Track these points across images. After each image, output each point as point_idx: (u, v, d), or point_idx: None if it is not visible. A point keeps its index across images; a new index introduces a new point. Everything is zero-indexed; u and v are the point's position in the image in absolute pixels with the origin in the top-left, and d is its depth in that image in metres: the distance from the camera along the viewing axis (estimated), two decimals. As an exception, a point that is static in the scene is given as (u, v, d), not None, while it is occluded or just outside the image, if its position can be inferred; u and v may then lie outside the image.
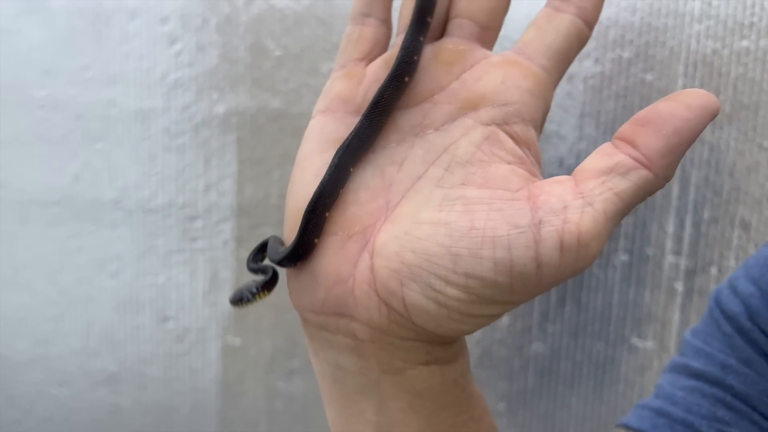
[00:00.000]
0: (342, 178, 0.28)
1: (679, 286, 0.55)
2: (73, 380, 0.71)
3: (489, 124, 0.28)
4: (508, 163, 0.28)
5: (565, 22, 0.30)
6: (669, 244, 0.55)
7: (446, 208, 0.26)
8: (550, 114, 0.56)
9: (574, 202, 0.25)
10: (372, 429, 0.30)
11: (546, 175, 0.58)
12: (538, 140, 0.31)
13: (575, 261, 0.25)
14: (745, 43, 0.51)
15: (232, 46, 0.61)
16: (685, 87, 0.53)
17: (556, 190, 0.26)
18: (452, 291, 0.25)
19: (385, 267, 0.26)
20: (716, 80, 0.52)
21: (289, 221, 0.30)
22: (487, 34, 0.31)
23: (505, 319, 0.59)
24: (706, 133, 0.53)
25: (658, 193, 0.55)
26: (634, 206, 0.26)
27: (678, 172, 0.55)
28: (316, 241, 0.28)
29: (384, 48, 0.32)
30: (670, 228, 0.55)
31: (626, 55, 0.53)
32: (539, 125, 0.30)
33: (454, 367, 0.30)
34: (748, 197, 0.53)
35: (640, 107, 0.54)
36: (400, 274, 0.26)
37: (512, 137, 0.28)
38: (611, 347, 0.57)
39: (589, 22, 0.30)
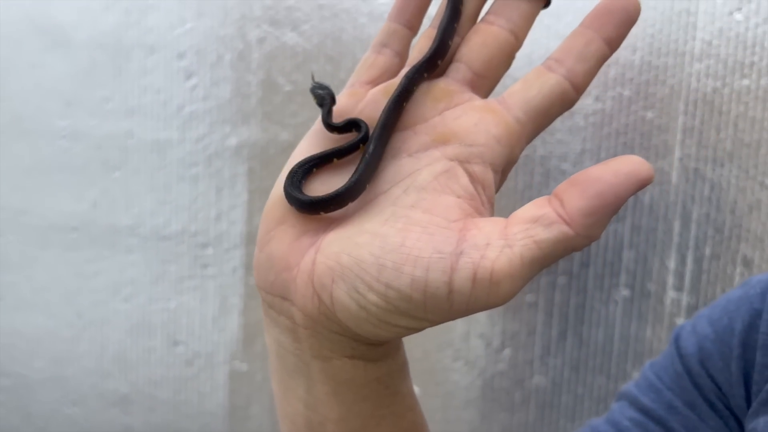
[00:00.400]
0: (358, 193, 0.30)
1: (681, 322, 0.54)
2: (87, 400, 0.71)
3: (452, 160, 0.30)
4: (458, 196, 0.29)
5: (551, 81, 0.31)
6: (670, 280, 0.54)
7: (389, 224, 0.29)
8: (552, 149, 0.56)
9: (496, 242, 0.27)
10: (302, 405, 0.33)
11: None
12: (499, 184, 0.32)
13: (486, 295, 0.27)
14: (745, 82, 0.51)
15: (245, 82, 0.62)
16: (685, 125, 0.52)
17: (486, 229, 0.28)
18: (372, 297, 0.27)
19: (324, 263, 0.29)
20: (717, 118, 0.52)
21: (267, 206, 0.31)
22: (481, 81, 0.33)
23: (506, 351, 0.58)
24: (708, 171, 0.52)
25: (660, 228, 0.54)
26: (554, 258, 0.27)
27: (679, 208, 0.54)
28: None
29: (392, 76, 0.34)
30: (672, 264, 0.53)
31: (627, 93, 0.53)
32: (500, 170, 0.31)
33: (379, 366, 0.32)
34: (750, 234, 0.52)
35: (641, 144, 0.54)
36: (333, 272, 0.28)
37: (469, 175, 0.30)
38: (613, 382, 0.56)
39: (576, 85, 0.31)
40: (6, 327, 0.72)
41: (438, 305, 0.27)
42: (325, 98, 0.33)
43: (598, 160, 0.54)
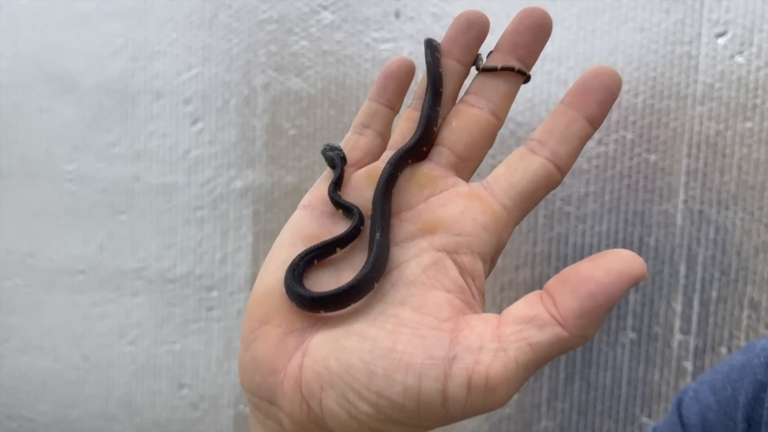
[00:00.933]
0: (366, 291, 0.28)
1: (689, 365, 0.53)
2: (92, 443, 0.70)
3: (440, 251, 0.29)
4: (448, 291, 0.28)
5: (535, 164, 0.30)
6: (677, 323, 0.52)
7: (378, 324, 0.27)
8: (555, 191, 0.55)
9: (489, 345, 0.25)
10: None
11: (550, 254, 0.56)
12: (488, 272, 0.30)
13: (482, 401, 0.25)
14: (748, 124, 0.50)
15: (250, 126, 0.61)
16: (689, 167, 0.51)
17: (478, 329, 0.26)
18: (363, 406, 0.26)
19: (311, 368, 0.27)
20: (720, 161, 0.51)
21: (251, 302, 0.30)
22: (464, 164, 0.32)
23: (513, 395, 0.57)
24: (712, 213, 0.51)
25: (666, 271, 0.53)
26: (548, 359, 0.26)
27: (685, 251, 0.53)
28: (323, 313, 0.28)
29: (375, 158, 0.33)
30: (678, 307, 0.52)
31: (630, 136, 0.52)
32: (489, 259, 0.30)
33: None
34: (757, 277, 0.50)
35: (645, 187, 0.53)
36: (321, 378, 0.26)
37: (459, 266, 0.28)
38: (621, 426, 0.54)
39: (560, 167, 0.30)
40: (12, 370, 0.71)
41: (432, 413, 0.25)
42: (335, 160, 0.32)
43: (602, 203, 0.53)
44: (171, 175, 0.64)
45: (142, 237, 0.65)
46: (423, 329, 0.26)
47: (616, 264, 0.25)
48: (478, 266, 0.29)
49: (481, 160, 0.32)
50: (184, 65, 0.63)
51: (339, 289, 0.27)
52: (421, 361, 0.25)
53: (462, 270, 0.29)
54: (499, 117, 0.32)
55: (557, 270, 0.55)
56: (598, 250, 0.54)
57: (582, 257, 0.55)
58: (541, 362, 0.25)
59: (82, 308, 0.68)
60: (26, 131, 0.68)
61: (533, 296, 0.26)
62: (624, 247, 0.53)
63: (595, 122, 0.30)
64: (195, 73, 0.62)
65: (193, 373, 0.65)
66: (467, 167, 0.32)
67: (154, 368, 0.66)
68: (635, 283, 0.25)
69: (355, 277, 0.28)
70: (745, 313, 0.51)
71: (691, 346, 0.52)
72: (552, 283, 0.26)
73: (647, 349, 0.53)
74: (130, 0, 0.64)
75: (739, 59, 0.50)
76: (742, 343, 0.51)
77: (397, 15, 0.57)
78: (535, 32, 0.31)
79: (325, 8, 0.59)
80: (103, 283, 0.67)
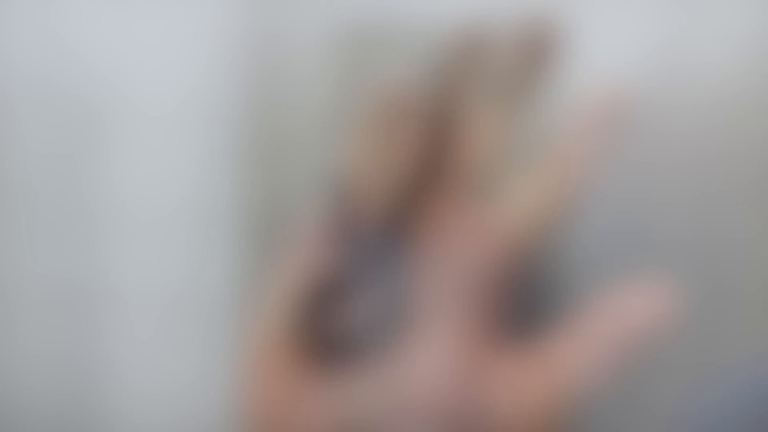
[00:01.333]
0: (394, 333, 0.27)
1: (687, 383, 0.52)
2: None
3: (455, 279, 0.28)
4: (466, 323, 0.27)
5: (549, 184, 0.29)
6: (675, 340, 0.52)
7: (395, 366, 0.25)
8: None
9: (514, 385, 0.24)
10: None
11: (550, 267, 0.56)
12: (507, 300, 0.29)
13: None
14: (746, 134, 0.50)
15: (242, 140, 0.61)
16: (685, 178, 0.51)
17: (502, 366, 0.25)
18: None
19: (326, 421, 0.24)
20: (715, 171, 0.51)
21: (252, 346, 0.28)
22: (474, 186, 0.31)
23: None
24: (710, 228, 0.51)
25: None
26: (575, 401, 0.25)
27: (683, 264, 0.53)
28: None
29: (380, 186, 0.32)
30: (676, 323, 0.52)
31: (626, 146, 0.52)
32: (507, 285, 0.29)
33: None
34: (755, 291, 0.50)
35: (643, 198, 0.53)
36: None
37: (475, 295, 0.27)
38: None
39: (574, 190, 0.29)
40: (4, 392, 0.71)
41: None
42: (338, 191, 0.31)
43: (599, 215, 0.53)
44: (161, 192, 0.64)
45: (133, 255, 0.65)
46: (443, 368, 0.25)
47: (644, 304, 0.24)
48: (495, 294, 0.28)
49: (491, 181, 0.32)
50: (172, 79, 0.63)
51: (352, 330, 0.26)
52: (444, 405, 0.24)
53: (479, 299, 0.27)
54: (508, 136, 0.31)
55: (556, 283, 0.55)
56: (599, 259, 0.53)
57: (580, 271, 0.55)
58: (567, 404, 0.24)
59: (73, 328, 0.67)
60: (12, 149, 0.68)
61: (560, 338, 0.25)
62: (623, 259, 0.53)
63: (607, 144, 0.29)
64: (183, 87, 0.63)
65: (187, 391, 0.64)
66: (477, 189, 0.31)
67: (150, 386, 0.66)
68: (664, 324, 0.24)
69: (368, 316, 0.26)
70: (745, 329, 0.50)
71: (690, 362, 0.52)
72: (575, 320, 0.25)
73: (645, 366, 0.53)
74: (117, 17, 0.64)
75: (737, 69, 0.50)
76: (742, 360, 0.51)
77: (401, 27, 0.57)
78: (543, 48, 0.31)
79: (317, 21, 0.59)
80: (94, 302, 0.67)
